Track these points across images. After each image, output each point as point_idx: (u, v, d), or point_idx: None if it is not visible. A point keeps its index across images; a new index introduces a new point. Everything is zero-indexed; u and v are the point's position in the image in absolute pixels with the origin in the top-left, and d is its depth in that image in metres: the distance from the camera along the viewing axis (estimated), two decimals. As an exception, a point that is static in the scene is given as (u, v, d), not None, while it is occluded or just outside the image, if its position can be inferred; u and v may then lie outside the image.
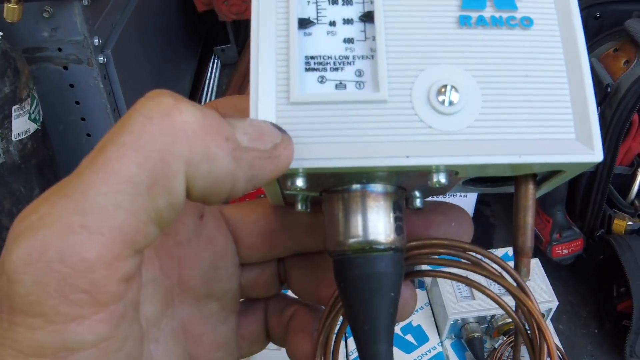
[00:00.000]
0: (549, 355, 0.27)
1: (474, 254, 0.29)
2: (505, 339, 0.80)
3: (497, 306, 0.82)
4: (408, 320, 0.84)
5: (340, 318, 0.30)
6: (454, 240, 0.29)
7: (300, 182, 0.24)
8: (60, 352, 0.20)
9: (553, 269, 0.94)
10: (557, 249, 0.94)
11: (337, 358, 0.30)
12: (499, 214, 1.10)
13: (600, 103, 0.85)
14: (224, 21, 1.20)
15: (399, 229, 0.27)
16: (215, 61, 1.26)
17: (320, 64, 0.24)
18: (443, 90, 0.23)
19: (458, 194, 0.99)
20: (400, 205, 0.27)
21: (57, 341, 0.20)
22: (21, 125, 0.73)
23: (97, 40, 0.81)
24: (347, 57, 0.24)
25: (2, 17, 0.72)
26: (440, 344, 0.82)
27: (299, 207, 0.29)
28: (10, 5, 0.71)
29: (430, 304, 0.86)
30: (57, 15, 0.78)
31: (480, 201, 1.05)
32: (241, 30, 1.25)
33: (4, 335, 0.20)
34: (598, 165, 0.88)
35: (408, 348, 0.81)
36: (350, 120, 0.23)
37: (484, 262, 0.28)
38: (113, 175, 0.20)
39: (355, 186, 0.26)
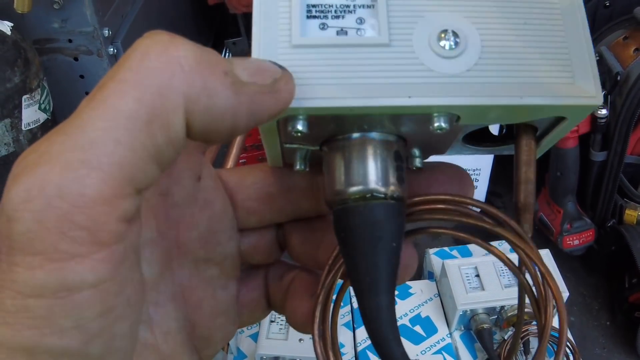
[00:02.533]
0: (555, 302, 0.26)
1: (474, 207, 0.28)
2: (514, 330, 0.79)
3: (506, 297, 0.82)
4: (417, 312, 0.83)
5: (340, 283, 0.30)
6: (454, 195, 0.28)
7: (301, 126, 0.24)
8: (59, 292, 0.20)
9: (564, 260, 0.93)
10: (568, 239, 0.93)
11: (336, 318, 0.30)
12: (509, 205, 1.09)
13: (610, 91, 0.84)
14: (235, 14, 1.20)
15: (400, 178, 0.26)
16: (227, 54, 1.26)
17: (322, 11, 0.24)
18: (443, 35, 0.23)
19: (468, 185, 0.99)
20: (402, 155, 0.27)
21: (57, 280, 0.20)
22: (31, 114, 0.74)
23: (107, 31, 0.82)
24: (347, 6, 0.24)
25: (12, 7, 0.73)
26: (449, 336, 0.81)
27: (298, 165, 0.29)
28: (21, -4, 0.72)
29: (439, 295, 0.85)
30: (68, 6, 0.79)
31: (491, 192, 1.05)
32: (252, 23, 1.25)
33: (3, 277, 0.20)
34: (609, 154, 0.87)
35: (417, 339, 0.81)
36: (352, 63, 0.23)
37: (485, 216, 0.28)
38: (111, 111, 0.20)
39: (356, 134, 0.26)
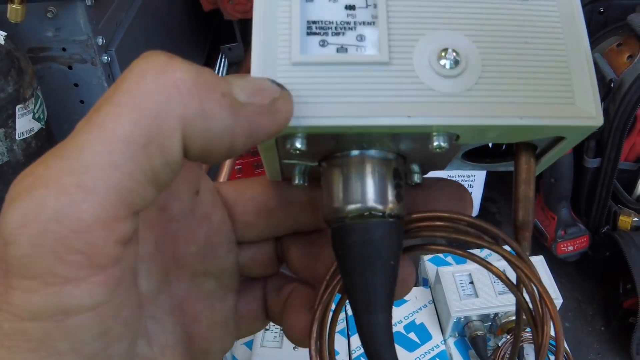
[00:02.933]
0: (553, 325, 0.26)
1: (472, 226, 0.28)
2: (508, 337, 0.79)
3: (500, 304, 0.82)
4: (411, 319, 0.83)
5: (338, 296, 0.30)
6: (453, 212, 0.28)
7: (299, 144, 0.24)
8: (56, 315, 0.20)
9: (558, 266, 0.93)
10: (562, 245, 0.94)
11: (333, 333, 0.30)
12: (504, 211, 1.09)
13: (603, 98, 0.84)
14: (231, 20, 1.20)
15: (398, 196, 0.26)
16: (223, 60, 1.27)
17: (322, 28, 0.24)
18: (444, 53, 0.23)
19: (463, 191, 0.99)
20: (400, 172, 0.27)
21: (54, 304, 0.20)
22: (25, 124, 0.74)
23: (101, 39, 0.82)
24: (348, 23, 0.24)
25: (6, 17, 0.73)
26: (443, 342, 0.81)
27: (297, 180, 0.29)
28: (14, 6, 0.72)
29: (433, 301, 0.85)
30: (61, 15, 0.79)
31: (485, 198, 1.05)
32: (248, 28, 1.25)
33: (0, 300, 0.20)
34: (602, 161, 0.87)
35: (411, 346, 0.80)
36: (351, 81, 0.23)
37: (483, 235, 0.28)
38: (108, 135, 0.20)
39: (355, 152, 0.26)
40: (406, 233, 0.28)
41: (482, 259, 0.29)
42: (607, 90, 0.83)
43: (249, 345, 0.79)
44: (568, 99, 0.23)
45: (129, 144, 0.20)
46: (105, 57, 0.83)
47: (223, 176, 0.80)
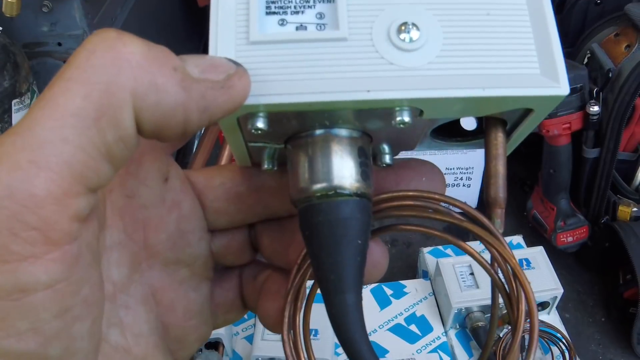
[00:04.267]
0: (527, 303, 0.26)
1: (444, 203, 0.28)
2: (509, 327, 0.79)
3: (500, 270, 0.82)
4: (412, 311, 0.83)
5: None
6: (422, 191, 0.28)
7: (261, 124, 0.23)
8: (13, 293, 0.20)
9: (558, 257, 0.93)
10: (561, 236, 0.94)
11: (308, 317, 0.29)
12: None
13: (602, 88, 0.84)
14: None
15: (364, 174, 0.26)
16: (218, 56, 1.26)
17: (281, 7, 0.24)
18: (403, 27, 0.23)
19: (462, 184, 0.99)
20: (366, 151, 0.27)
21: (10, 282, 0.20)
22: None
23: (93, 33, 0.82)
24: (307, 1, 0.24)
25: (1, 11, 0.73)
26: (444, 334, 0.81)
27: (266, 165, 0.28)
28: (9, 0, 0.71)
29: (434, 293, 0.85)
30: (56, 9, 0.79)
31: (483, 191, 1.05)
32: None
33: None
34: (601, 151, 0.87)
35: (412, 338, 0.80)
36: (311, 58, 0.23)
37: (454, 211, 0.28)
38: (59, 110, 0.20)
39: (319, 131, 0.26)
40: (376, 214, 0.28)
41: (454, 238, 0.29)
42: (605, 80, 0.83)
43: (249, 339, 0.78)
44: (532, 69, 0.23)
45: (80, 118, 0.20)
46: (101, 52, 0.83)
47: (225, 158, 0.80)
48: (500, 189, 0.27)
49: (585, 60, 0.89)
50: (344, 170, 0.26)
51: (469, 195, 1.01)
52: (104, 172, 0.21)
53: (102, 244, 0.26)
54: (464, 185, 0.99)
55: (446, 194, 0.30)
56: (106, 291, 0.26)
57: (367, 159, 0.27)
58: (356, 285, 0.26)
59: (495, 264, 0.27)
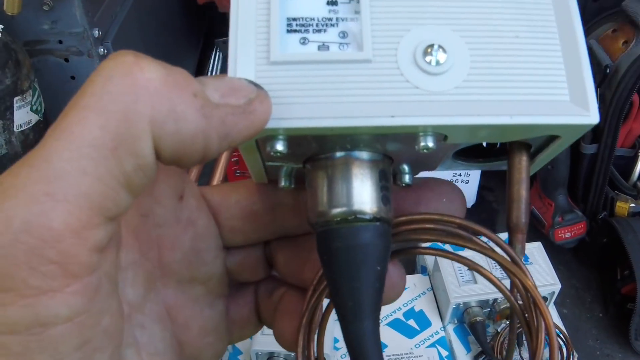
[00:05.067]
0: (547, 333, 0.26)
1: (464, 229, 0.27)
2: (507, 322, 0.80)
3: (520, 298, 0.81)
4: (410, 306, 0.84)
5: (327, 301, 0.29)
6: (443, 215, 0.27)
7: (280, 146, 0.23)
8: (33, 327, 0.19)
9: (556, 253, 0.94)
10: (559, 232, 0.94)
11: (322, 338, 0.29)
12: (501, 200, 1.09)
13: (599, 84, 0.84)
14: (225, 13, 1.20)
15: (385, 199, 0.25)
16: (218, 53, 1.26)
17: (303, 25, 0.23)
18: (429, 50, 0.22)
19: (460, 180, 0.99)
20: (387, 174, 0.26)
21: (30, 316, 0.19)
22: (23, 116, 0.74)
23: (97, 32, 0.82)
24: (330, 19, 0.23)
25: (2, 9, 0.73)
26: (442, 329, 0.82)
27: (282, 182, 0.28)
28: (9, -2, 0.72)
29: (432, 288, 0.86)
30: (57, 7, 0.79)
31: (483, 187, 1.05)
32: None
33: None
34: (599, 147, 0.87)
35: (410, 333, 0.81)
36: (333, 80, 0.22)
37: (476, 237, 0.27)
38: (75, 140, 0.19)
39: (339, 153, 0.25)
40: (395, 236, 0.27)
41: (474, 262, 0.28)
42: (602, 76, 0.84)
43: (249, 334, 0.79)
44: (562, 95, 0.22)
45: (97, 148, 0.19)
46: (102, 50, 0.83)
47: (217, 177, 0.80)
48: (522, 214, 0.26)
49: (583, 56, 0.89)
50: (364, 194, 0.25)
51: (468, 192, 1.01)
52: (123, 201, 0.20)
53: (117, 264, 0.25)
54: (462, 182, 0.99)
55: (465, 209, 0.30)
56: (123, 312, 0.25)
57: (388, 182, 0.26)
58: (374, 312, 0.25)
59: (515, 290, 0.27)
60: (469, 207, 1.04)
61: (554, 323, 0.26)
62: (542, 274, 0.80)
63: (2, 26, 0.72)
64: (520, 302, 0.27)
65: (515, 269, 0.26)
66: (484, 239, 0.27)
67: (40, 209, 0.19)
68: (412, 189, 0.29)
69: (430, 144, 0.23)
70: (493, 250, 0.26)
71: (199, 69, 1.24)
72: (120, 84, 0.19)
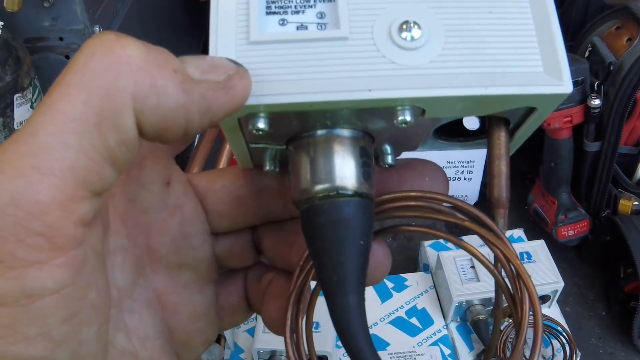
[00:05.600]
0: (530, 302, 0.26)
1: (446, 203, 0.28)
2: (510, 320, 0.80)
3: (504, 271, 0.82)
4: (413, 304, 0.84)
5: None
6: (425, 191, 0.28)
7: (262, 124, 0.23)
8: (21, 299, 0.20)
9: (559, 251, 0.93)
10: (562, 230, 0.93)
11: (311, 319, 0.29)
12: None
13: (603, 82, 0.84)
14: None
15: (366, 175, 0.26)
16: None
17: (281, 7, 0.24)
18: (405, 26, 0.23)
19: (462, 177, 0.99)
20: (368, 151, 0.26)
21: (17, 288, 0.20)
22: (23, 113, 0.74)
23: (97, 29, 0.82)
24: (308, 1, 0.24)
25: (2, 6, 0.73)
26: (445, 327, 0.81)
27: (267, 166, 0.28)
28: (10, -5, 0.71)
29: (434, 287, 0.85)
30: (58, 4, 0.78)
31: (485, 184, 1.05)
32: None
33: None
34: (602, 144, 0.87)
35: (413, 331, 0.81)
36: (311, 58, 0.23)
37: (458, 212, 0.28)
38: (59, 115, 0.20)
39: (320, 131, 0.26)
40: (378, 215, 0.28)
41: (457, 238, 0.29)
42: (606, 73, 0.83)
43: (251, 332, 0.79)
44: (535, 67, 0.23)
45: (80, 122, 0.20)
46: (103, 46, 0.83)
47: (221, 166, 0.81)
48: (503, 190, 0.27)
49: (587, 53, 0.89)
50: (345, 170, 0.26)
51: (470, 189, 1.01)
52: (107, 176, 0.21)
53: (105, 248, 0.26)
54: (465, 179, 0.99)
55: (448, 188, 0.30)
56: (111, 296, 0.26)
57: (369, 159, 0.27)
58: (359, 286, 0.26)
59: (499, 264, 0.27)
60: (472, 204, 1.03)
61: (537, 295, 0.26)
62: (545, 272, 0.80)
63: (2, 23, 0.72)
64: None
65: (496, 240, 0.26)
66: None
67: (27, 182, 0.19)
68: (395, 169, 0.29)
69: (408, 118, 0.23)
70: (474, 223, 0.27)
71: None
72: (103, 61, 0.20)
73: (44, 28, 0.81)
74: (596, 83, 0.85)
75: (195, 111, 0.21)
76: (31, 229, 0.19)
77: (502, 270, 0.27)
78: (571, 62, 0.84)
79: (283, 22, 0.24)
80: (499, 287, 0.28)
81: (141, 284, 0.29)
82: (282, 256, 0.32)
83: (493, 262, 0.28)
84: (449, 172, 0.98)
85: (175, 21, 1.17)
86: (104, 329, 0.24)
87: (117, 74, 0.20)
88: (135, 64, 0.20)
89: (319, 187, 0.26)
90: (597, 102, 0.84)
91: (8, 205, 0.19)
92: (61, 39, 0.82)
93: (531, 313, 0.26)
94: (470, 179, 0.99)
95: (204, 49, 1.29)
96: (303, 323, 0.29)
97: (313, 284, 0.30)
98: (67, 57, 0.83)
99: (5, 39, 0.71)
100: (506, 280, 0.27)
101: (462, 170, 0.98)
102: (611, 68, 0.83)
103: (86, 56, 0.20)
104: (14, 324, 0.20)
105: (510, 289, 0.27)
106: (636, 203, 0.90)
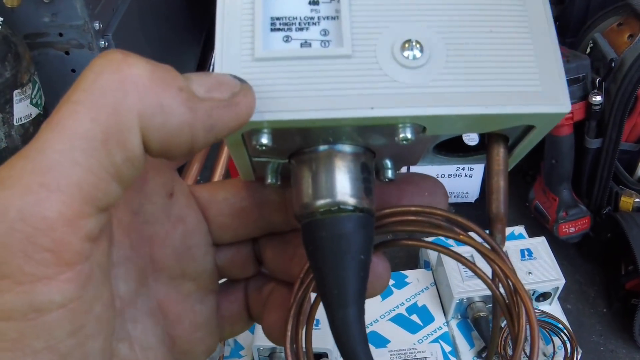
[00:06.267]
0: (528, 318, 0.26)
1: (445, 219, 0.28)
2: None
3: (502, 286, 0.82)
4: (413, 301, 0.83)
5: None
6: (424, 206, 0.28)
7: (265, 140, 0.24)
8: (29, 313, 0.20)
9: (560, 248, 0.93)
10: (563, 227, 0.93)
11: (310, 331, 0.29)
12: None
13: (604, 78, 0.84)
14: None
15: (367, 190, 0.26)
16: (220, 47, 1.26)
17: (286, 24, 0.24)
18: (407, 45, 0.23)
19: (463, 174, 0.99)
20: (369, 167, 0.27)
21: (25, 302, 0.20)
22: (23, 109, 0.73)
23: (97, 24, 0.81)
24: (312, 18, 0.24)
25: (2, 2, 0.73)
26: (446, 324, 0.81)
27: (269, 179, 0.29)
28: (10, -10, 0.71)
29: (435, 284, 0.85)
30: (57, 0, 0.78)
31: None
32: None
33: None
34: (604, 141, 0.87)
35: (414, 328, 0.81)
36: (315, 75, 0.23)
37: (456, 227, 0.28)
38: (67, 132, 0.20)
39: (322, 147, 0.26)
40: (379, 229, 0.28)
41: (456, 253, 0.29)
42: (607, 69, 0.83)
43: (251, 329, 0.78)
44: (535, 86, 0.23)
45: (88, 140, 0.20)
46: (102, 42, 0.83)
47: (218, 172, 0.81)
48: (502, 205, 0.27)
49: (588, 50, 0.89)
50: (346, 186, 0.26)
51: (471, 186, 1.01)
52: (113, 192, 0.21)
53: (109, 259, 0.26)
54: (465, 176, 0.99)
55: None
56: (115, 306, 0.26)
57: (370, 175, 0.27)
58: (359, 299, 0.26)
59: (497, 279, 0.27)
60: (473, 201, 1.04)
61: (534, 311, 0.26)
62: (546, 269, 0.80)
63: (2, 19, 0.72)
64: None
65: (494, 256, 0.27)
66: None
67: (35, 199, 0.20)
68: (395, 184, 0.30)
69: (409, 135, 0.24)
70: (473, 239, 0.27)
71: (201, 63, 1.24)
72: (110, 80, 0.21)
73: (43, 24, 0.80)
74: (597, 80, 0.85)
75: (200, 128, 0.22)
76: (39, 244, 0.20)
77: (500, 285, 0.28)
78: (572, 58, 0.84)
79: (287, 39, 0.24)
80: (497, 301, 0.28)
81: (144, 293, 0.29)
82: (282, 267, 0.32)
83: (491, 277, 0.28)
84: (450, 169, 0.98)
85: (175, 17, 1.17)
86: (109, 342, 0.24)
87: (124, 92, 0.20)
88: (142, 82, 0.21)
89: (321, 202, 0.26)
90: (598, 98, 0.84)
91: (17, 221, 0.19)
92: (61, 34, 0.82)
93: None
94: (471, 176, 0.99)
95: (204, 46, 1.29)
96: (303, 333, 0.29)
97: (313, 295, 0.30)
98: (67, 53, 0.83)
99: (5, 35, 0.71)
100: (504, 294, 0.28)
101: (463, 167, 0.98)
102: (612, 65, 0.83)
103: (94, 74, 0.21)
104: (22, 338, 0.20)
105: (508, 304, 0.27)
106: (637, 200, 0.89)
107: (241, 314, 0.34)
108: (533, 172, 1.04)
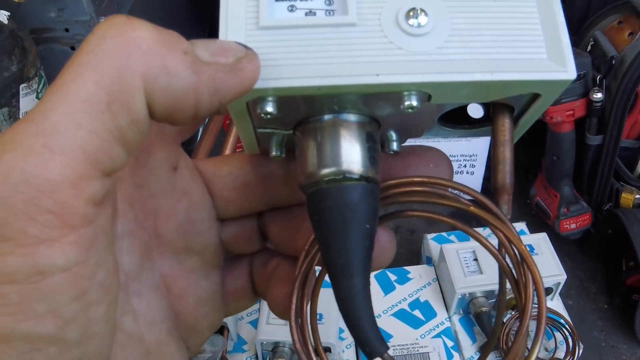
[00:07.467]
0: (534, 285, 0.26)
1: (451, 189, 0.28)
2: (513, 313, 0.80)
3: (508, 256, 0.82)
4: (416, 296, 0.84)
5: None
6: (429, 177, 0.28)
7: (270, 108, 0.24)
8: (31, 276, 0.20)
9: (561, 244, 0.93)
10: (565, 223, 0.94)
11: (315, 304, 0.30)
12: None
13: (605, 75, 0.84)
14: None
15: (372, 159, 0.26)
16: (223, 44, 1.26)
17: None
18: (412, 13, 0.23)
19: (465, 171, 0.99)
20: (374, 136, 0.27)
21: (28, 265, 0.20)
22: (29, 103, 0.74)
23: (103, 20, 0.82)
24: None
25: (9, -3, 0.73)
26: (448, 319, 0.82)
27: (274, 152, 0.29)
28: (17, -15, 0.72)
29: (437, 279, 0.86)
30: (64, -5, 0.79)
31: (488, 178, 1.05)
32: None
33: None
34: (604, 138, 0.87)
35: (416, 323, 0.81)
36: (320, 43, 0.23)
37: (462, 197, 0.28)
38: (71, 96, 0.20)
39: (327, 116, 0.26)
40: (383, 200, 0.28)
41: (461, 223, 0.29)
42: (608, 67, 0.84)
43: (254, 323, 0.79)
44: (540, 53, 0.23)
45: (92, 103, 0.20)
46: (108, 38, 0.83)
47: (227, 151, 0.81)
48: (507, 175, 0.27)
49: (589, 47, 0.89)
50: (352, 154, 0.26)
51: (473, 183, 1.01)
52: (118, 156, 0.21)
53: (114, 232, 0.26)
54: (467, 173, 0.99)
55: (452, 174, 0.30)
56: (119, 279, 0.26)
57: (375, 144, 0.27)
58: (364, 269, 0.26)
59: (503, 249, 0.27)
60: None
61: (541, 278, 0.26)
62: (548, 265, 0.80)
63: (8, 13, 0.72)
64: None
65: (500, 224, 0.27)
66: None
67: (38, 161, 0.20)
68: (400, 156, 0.30)
69: (415, 103, 0.24)
70: (478, 208, 0.27)
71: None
72: (114, 43, 0.20)
73: (49, 19, 0.81)
74: (598, 77, 0.85)
75: (205, 92, 0.22)
76: (42, 206, 0.20)
77: (506, 255, 0.27)
78: (573, 56, 0.85)
79: (292, 8, 0.24)
80: (503, 271, 0.28)
81: (148, 267, 0.29)
82: (287, 242, 0.32)
83: (497, 248, 0.28)
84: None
85: (180, 15, 1.17)
86: (113, 310, 0.24)
87: (127, 55, 0.20)
88: (146, 45, 0.21)
89: (326, 170, 0.26)
90: (599, 95, 0.85)
91: (20, 183, 0.19)
92: (67, 30, 0.82)
93: (535, 304, 0.26)
94: (472, 173, 1.00)
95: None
96: (308, 308, 0.29)
97: (318, 269, 0.30)
98: (73, 48, 0.83)
99: (12, 29, 0.71)
100: (510, 265, 0.28)
101: (465, 164, 0.99)
102: (613, 62, 0.83)
103: (98, 38, 0.21)
104: (24, 301, 0.20)
105: (514, 274, 0.27)
106: (638, 196, 0.90)
107: (246, 289, 0.34)
108: (534, 169, 1.05)
